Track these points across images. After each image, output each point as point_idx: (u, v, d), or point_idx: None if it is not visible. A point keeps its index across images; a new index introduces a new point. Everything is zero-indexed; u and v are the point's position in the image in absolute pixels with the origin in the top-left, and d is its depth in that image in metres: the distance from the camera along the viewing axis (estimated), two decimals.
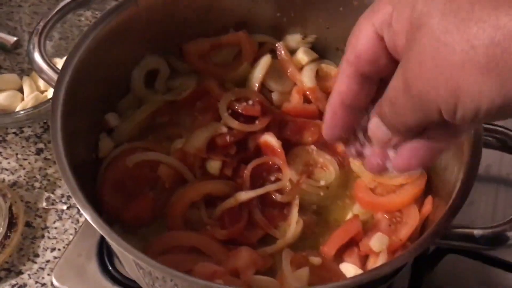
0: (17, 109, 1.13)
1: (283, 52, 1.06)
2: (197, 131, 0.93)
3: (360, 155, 0.65)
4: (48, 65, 0.85)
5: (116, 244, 0.70)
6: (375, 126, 0.57)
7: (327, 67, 1.08)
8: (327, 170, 0.93)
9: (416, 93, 0.46)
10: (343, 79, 0.58)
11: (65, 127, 0.79)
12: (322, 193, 0.91)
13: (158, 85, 1.03)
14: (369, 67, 0.55)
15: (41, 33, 0.86)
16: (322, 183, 0.91)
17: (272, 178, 0.92)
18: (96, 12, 1.35)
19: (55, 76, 0.87)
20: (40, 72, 0.86)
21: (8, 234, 0.99)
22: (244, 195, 0.86)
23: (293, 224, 0.86)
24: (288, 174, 0.89)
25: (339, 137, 0.63)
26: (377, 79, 0.57)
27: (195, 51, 1.05)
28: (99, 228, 0.71)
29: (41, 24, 0.87)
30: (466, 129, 0.56)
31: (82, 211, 0.73)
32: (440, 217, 0.68)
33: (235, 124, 0.94)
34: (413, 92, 0.47)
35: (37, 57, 0.85)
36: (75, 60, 0.83)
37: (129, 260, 0.77)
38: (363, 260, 0.84)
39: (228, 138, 0.92)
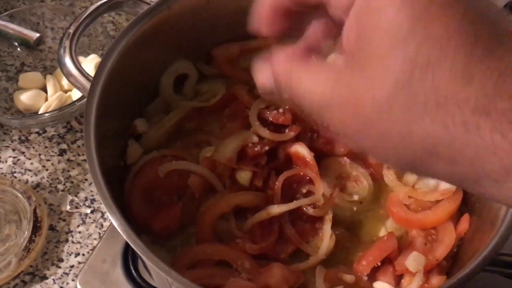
0: (41, 109, 1.12)
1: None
2: (226, 140, 0.91)
3: None
4: (79, 70, 0.83)
5: (144, 256, 0.69)
6: None
7: None
8: (361, 184, 0.90)
9: None
10: None
11: (97, 133, 0.78)
12: (355, 208, 0.88)
13: (187, 90, 1.01)
14: None
15: (72, 36, 0.84)
16: (356, 197, 0.88)
17: (304, 190, 0.89)
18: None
19: (84, 81, 0.85)
20: (70, 76, 0.84)
21: (33, 238, 0.98)
22: (277, 209, 0.84)
23: (326, 240, 0.84)
24: (322, 188, 0.86)
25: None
26: None
27: (224, 56, 1.03)
28: (128, 238, 0.70)
29: (72, 27, 0.85)
30: None
31: (111, 219, 0.71)
32: (491, 243, 0.66)
33: (266, 133, 0.92)
34: None
35: (68, 62, 0.83)
36: (107, 66, 0.81)
37: (159, 273, 0.76)
38: (398, 279, 0.82)
39: (259, 148, 0.90)
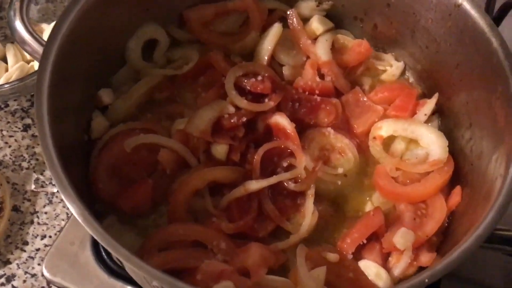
0: (0, 81, 1.03)
1: (295, 20, 0.96)
2: (200, 110, 0.84)
3: None
4: (31, 35, 0.75)
5: (106, 245, 0.62)
6: None
7: (344, 37, 0.98)
8: (345, 156, 0.84)
9: None
10: None
11: (52, 103, 0.70)
12: (339, 182, 0.82)
13: (157, 57, 0.93)
14: None
15: None
16: (340, 170, 0.82)
17: (284, 164, 0.83)
18: None
19: (39, 48, 0.77)
20: (22, 43, 0.76)
21: None
22: (255, 185, 0.78)
23: (308, 217, 0.78)
24: (304, 161, 0.80)
25: None
26: None
27: (197, 19, 0.94)
28: (85, 224, 0.62)
29: None
30: None
31: (66, 202, 0.63)
32: (487, 218, 0.60)
33: (243, 103, 0.85)
34: None
35: (18, 25, 0.75)
36: (63, 28, 0.73)
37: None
38: (385, 256, 0.76)
39: (235, 119, 0.83)
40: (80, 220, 0.62)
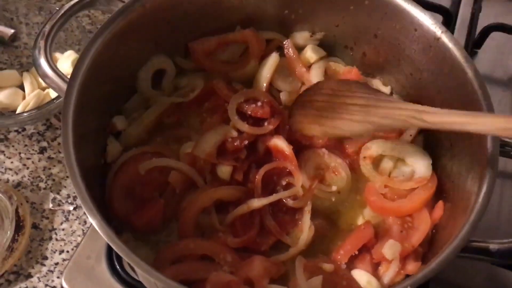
0: (19, 108, 1.11)
1: (290, 50, 1.04)
2: (206, 134, 0.92)
3: None
4: (54, 71, 0.83)
5: (125, 257, 0.69)
6: None
7: (336, 65, 1.07)
8: (339, 175, 0.92)
9: None
10: None
11: (75, 131, 0.78)
12: (333, 199, 0.90)
13: (165, 85, 1.01)
14: None
15: (47, 37, 0.83)
16: (334, 188, 0.90)
17: (283, 183, 0.91)
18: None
19: (60, 82, 0.85)
20: (45, 78, 0.84)
21: (16, 238, 0.98)
22: (257, 202, 0.86)
23: (306, 231, 0.86)
24: (301, 180, 0.88)
25: None
26: None
27: (201, 49, 1.03)
28: (108, 238, 0.70)
29: (47, 26, 0.84)
30: None
31: (92, 221, 0.71)
32: (462, 231, 0.69)
33: (245, 127, 0.93)
34: None
35: (43, 63, 0.83)
36: (84, 64, 0.81)
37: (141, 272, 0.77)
38: (375, 266, 0.85)
39: (238, 142, 0.91)
40: (104, 236, 0.69)
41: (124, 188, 0.89)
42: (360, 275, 0.82)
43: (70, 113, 0.77)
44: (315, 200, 0.90)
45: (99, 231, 0.70)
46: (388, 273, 0.82)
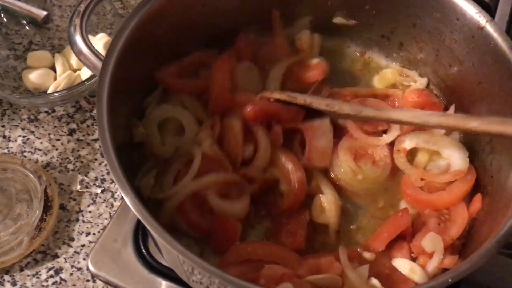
0: (50, 89, 1.11)
1: None
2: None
3: None
4: (90, 49, 0.82)
5: (159, 236, 0.68)
6: None
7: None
8: (376, 168, 0.91)
9: None
10: None
11: (109, 112, 0.76)
12: (369, 187, 0.90)
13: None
14: None
15: (82, 14, 0.83)
16: (360, 177, 0.90)
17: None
18: None
19: (95, 60, 0.84)
20: (80, 55, 0.83)
21: (44, 217, 0.98)
22: None
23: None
24: None
25: None
26: None
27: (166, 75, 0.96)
28: (139, 214, 0.68)
29: (82, 5, 0.83)
30: None
31: (123, 195, 0.70)
32: (506, 226, 0.66)
33: None
34: None
35: (78, 40, 0.82)
36: (119, 44, 0.80)
37: (171, 252, 0.75)
38: (413, 259, 0.82)
39: None
40: (137, 215, 0.68)
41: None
42: (402, 263, 0.80)
43: (105, 90, 0.76)
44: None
45: (131, 207, 0.69)
46: (429, 265, 0.79)
